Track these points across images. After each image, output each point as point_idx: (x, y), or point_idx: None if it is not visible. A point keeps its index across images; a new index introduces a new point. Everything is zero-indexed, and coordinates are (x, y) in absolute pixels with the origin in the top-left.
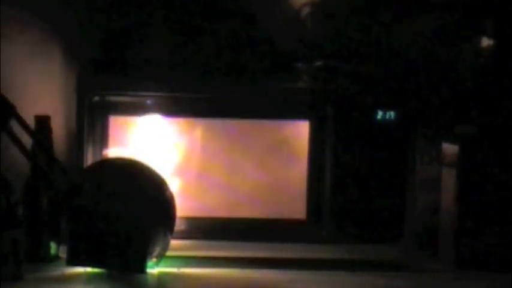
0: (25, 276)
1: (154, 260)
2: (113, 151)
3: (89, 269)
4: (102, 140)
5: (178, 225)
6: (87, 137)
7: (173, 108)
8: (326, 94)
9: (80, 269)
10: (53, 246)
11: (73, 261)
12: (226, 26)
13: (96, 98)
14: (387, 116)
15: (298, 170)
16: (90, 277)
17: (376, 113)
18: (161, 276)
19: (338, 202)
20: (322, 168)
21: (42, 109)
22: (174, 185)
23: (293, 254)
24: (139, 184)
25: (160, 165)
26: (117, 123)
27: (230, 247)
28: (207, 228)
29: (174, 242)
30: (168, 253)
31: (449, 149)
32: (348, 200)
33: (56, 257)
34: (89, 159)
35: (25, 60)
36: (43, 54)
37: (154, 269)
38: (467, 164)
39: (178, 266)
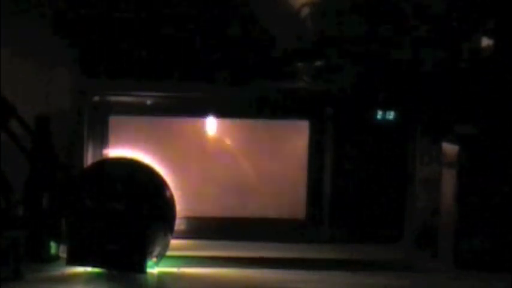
0: (25, 276)
1: (154, 259)
2: (113, 151)
3: (89, 269)
4: (102, 140)
5: (179, 225)
6: (87, 137)
7: (173, 108)
8: (326, 94)
9: (80, 269)
10: (53, 246)
11: (73, 261)
12: (227, 26)
13: (96, 98)
14: (387, 116)
15: (298, 170)
16: (90, 277)
17: (376, 113)
18: (161, 276)
19: (338, 202)
20: (322, 168)
21: (42, 109)
22: (173, 185)
23: (293, 254)
24: (140, 184)
25: (159, 165)
26: (117, 123)
27: (230, 247)
28: (207, 228)
29: (174, 242)
30: (168, 253)
31: (449, 149)
32: (348, 200)
33: (56, 257)
34: (89, 159)
35: (26, 61)
36: (44, 54)
37: (154, 269)
38: (467, 164)
39: (178, 266)
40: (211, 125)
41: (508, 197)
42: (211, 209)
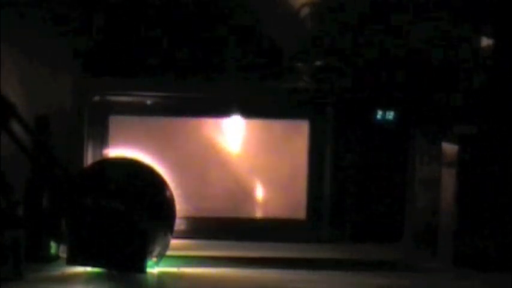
0: (25, 276)
1: (154, 259)
2: (113, 151)
3: (89, 269)
4: (102, 140)
5: (179, 225)
6: (87, 137)
7: (173, 108)
8: (326, 94)
9: (80, 269)
10: (53, 246)
11: (73, 261)
12: (227, 26)
13: (96, 98)
14: (387, 116)
15: (298, 170)
16: (90, 277)
17: (376, 113)
18: (161, 276)
19: (338, 202)
20: (322, 168)
21: (42, 109)
22: (173, 185)
23: (293, 254)
24: (140, 184)
25: (159, 164)
26: (117, 123)
27: (230, 247)
28: (207, 228)
29: (174, 242)
30: (168, 253)
31: (449, 149)
32: (348, 200)
33: (56, 257)
34: (89, 159)
35: (26, 61)
36: (44, 54)
37: (154, 269)
38: (467, 164)
39: (178, 266)
40: (211, 125)
41: (508, 197)
42: (211, 209)
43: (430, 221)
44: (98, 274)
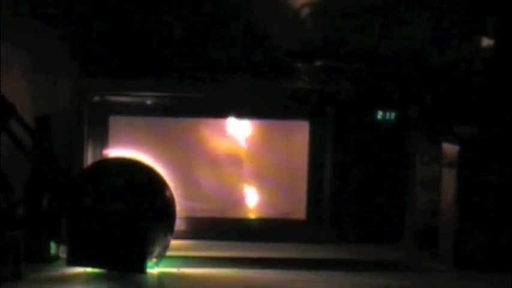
0: (25, 276)
1: (154, 260)
2: (113, 151)
3: (89, 269)
4: (102, 140)
5: (179, 225)
6: (87, 137)
7: (173, 108)
8: (326, 94)
9: (80, 269)
10: (53, 246)
11: (73, 261)
12: (227, 26)
13: (96, 98)
14: (387, 116)
15: (298, 170)
16: (90, 277)
17: (376, 113)
18: (161, 276)
19: (338, 202)
20: (322, 168)
21: (42, 109)
22: (173, 185)
23: (293, 254)
24: (139, 184)
25: (159, 165)
26: (117, 123)
27: (230, 247)
28: (207, 228)
29: (174, 242)
30: (168, 253)
31: (449, 149)
32: (348, 200)
33: (56, 257)
34: (89, 159)
35: (26, 61)
36: (44, 54)
37: (154, 269)
38: (467, 164)
39: (178, 266)
40: (211, 125)
41: (508, 197)
42: (211, 209)
43: (430, 221)
44: (98, 274)
